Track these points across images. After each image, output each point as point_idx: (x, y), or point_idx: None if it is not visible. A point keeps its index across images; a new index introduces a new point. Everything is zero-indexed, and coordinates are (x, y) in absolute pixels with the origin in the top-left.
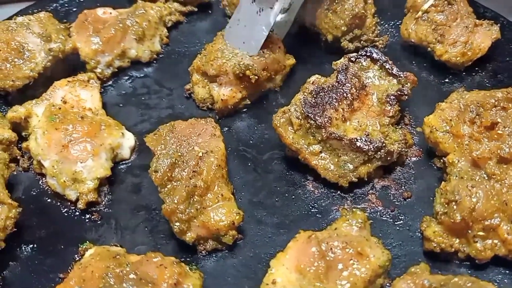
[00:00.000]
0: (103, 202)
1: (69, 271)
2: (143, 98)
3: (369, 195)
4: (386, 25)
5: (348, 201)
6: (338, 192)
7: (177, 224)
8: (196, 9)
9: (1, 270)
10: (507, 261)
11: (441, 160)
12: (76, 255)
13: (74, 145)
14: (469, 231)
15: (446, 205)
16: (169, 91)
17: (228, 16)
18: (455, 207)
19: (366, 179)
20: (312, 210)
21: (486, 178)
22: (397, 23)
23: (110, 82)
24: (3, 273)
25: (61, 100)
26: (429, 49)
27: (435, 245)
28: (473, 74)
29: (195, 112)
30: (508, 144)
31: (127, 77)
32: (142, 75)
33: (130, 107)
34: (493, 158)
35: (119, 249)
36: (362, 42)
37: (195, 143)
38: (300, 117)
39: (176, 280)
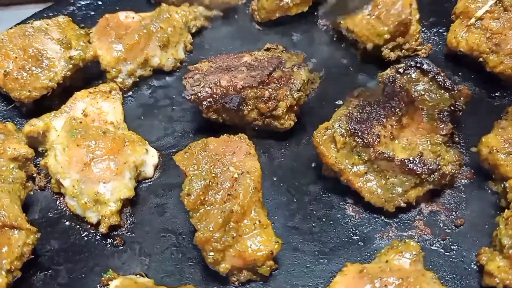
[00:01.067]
0: (126, 225)
1: None
2: (165, 110)
3: (416, 221)
4: (428, 32)
5: (392, 228)
6: (382, 217)
7: (211, 254)
8: (222, 14)
9: None
10: None
11: (501, 185)
12: (98, 285)
13: (97, 163)
14: None
15: None
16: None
17: (256, 21)
18: None
19: (413, 204)
20: (353, 237)
21: None
22: (440, 31)
23: (130, 93)
24: None
25: (82, 113)
26: (480, 59)
27: (498, 281)
28: None
29: (222, 126)
30: None
31: (147, 87)
32: (163, 84)
33: (152, 119)
34: None
35: (147, 281)
36: (403, 51)
37: (229, 162)
38: (345, 134)
39: None
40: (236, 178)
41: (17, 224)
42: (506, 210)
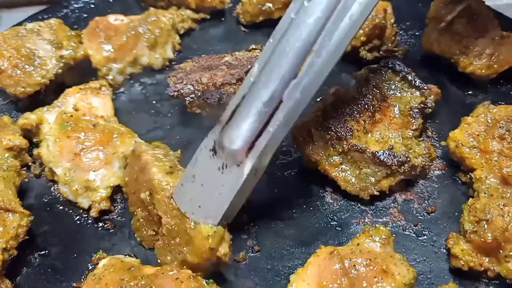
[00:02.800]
0: (116, 211)
1: (82, 280)
2: (155, 105)
3: (391, 209)
4: (405, 35)
5: (368, 214)
6: (358, 204)
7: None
8: (208, 17)
9: (14, 277)
10: None
11: (468, 176)
12: (89, 264)
13: (86, 153)
14: (501, 251)
15: (476, 224)
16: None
17: (242, 24)
18: (486, 226)
19: (388, 192)
20: (331, 223)
21: None
22: (416, 33)
23: (122, 89)
24: (16, 280)
25: (73, 108)
26: (452, 60)
27: (463, 263)
28: (498, 86)
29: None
30: None
31: (139, 84)
32: (154, 82)
33: (143, 114)
34: None
35: (133, 260)
36: (381, 52)
37: None
38: (320, 128)
39: None
40: None
41: (11, 207)
42: (470, 199)
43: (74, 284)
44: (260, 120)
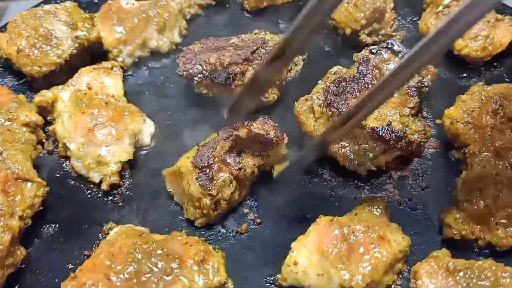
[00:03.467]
0: (125, 185)
1: (93, 248)
2: (161, 87)
3: (387, 185)
4: (403, 21)
5: (365, 190)
6: (355, 181)
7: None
8: (214, 3)
9: (27, 246)
10: None
11: (462, 151)
12: (100, 234)
13: (99, 129)
14: (491, 219)
15: (469, 193)
16: (187, 80)
17: (246, 10)
18: (478, 194)
19: (384, 169)
20: (329, 198)
21: (509, 168)
22: (414, 19)
23: (130, 72)
24: (29, 249)
25: (86, 86)
26: None
27: (456, 232)
28: (492, 69)
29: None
30: None
31: (146, 67)
32: (160, 65)
33: (149, 95)
34: None
35: (143, 229)
36: (380, 36)
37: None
38: (322, 105)
39: (202, 257)
40: None
41: (29, 177)
42: (463, 172)
43: (86, 252)
44: None
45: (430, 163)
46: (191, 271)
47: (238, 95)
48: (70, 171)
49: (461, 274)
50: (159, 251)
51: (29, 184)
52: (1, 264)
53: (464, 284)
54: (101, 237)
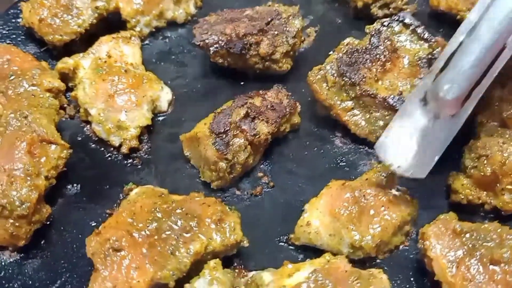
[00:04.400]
0: (144, 149)
1: (114, 208)
2: (178, 57)
3: None
4: None
5: (375, 157)
6: (366, 148)
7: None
8: None
9: (52, 205)
10: None
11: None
12: (120, 194)
13: (119, 95)
14: (498, 185)
15: (476, 160)
16: (203, 50)
17: None
18: (485, 161)
19: None
20: (340, 164)
21: None
22: None
23: (147, 42)
24: (53, 208)
25: (106, 55)
26: (458, 17)
27: (463, 197)
28: None
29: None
30: None
31: (162, 37)
32: (176, 35)
33: (166, 64)
34: None
35: (162, 190)
36: (391, 9)
37: None
38: (335, 74)
39: (220, 217)
40: None
41: (53, 139)
42: (471, 140)
43: (108, 211)
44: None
45: None
46: (209, 230)
47: None
48: (90, 135)
49: (467, 235)
50: (178, 211)
51: (53, 146)
52: (28, 220)
53: (470, 245)
54: (121, 197)
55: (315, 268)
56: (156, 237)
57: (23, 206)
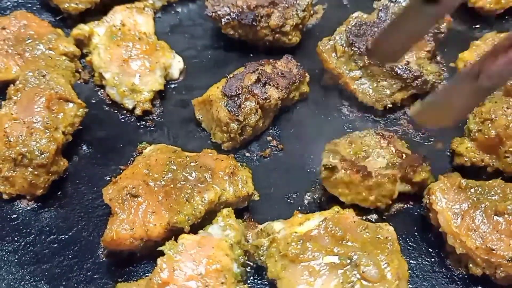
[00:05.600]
0: (156, 113)
1: (128, 164)
2: (189, 29)
3: (401, 120)
4: None
5: (381, 124)
6: (372, 116)
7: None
8: None
9: (68, 161)
10: None
11: None
12: (134, 152)
13: (133, 60)
14: (501, 147)
15: (481, 123)
16: (213, 24)
17: None
18: (490, 124)
19: (399, 105)
20: (347, 131)
21: None
22: None
23: (159, 15)
24: (70, 163)
25: (120, 23)
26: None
27: (466, 159)
28: (503, 22)
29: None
30: None
31: (173, 11)
32: (187, 9)
33: (178, 35)
34: None
35: (176, 147)
36: None
37: None
38: (344, 44)
39: (232, 170)
40: None
41: (70, 98)
42: (476, 107)
43: (122, 167)
44: None
45: None
46: (222, 181)
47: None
48: (104, 98)
49: (472, 190)
50: (192, 164)
51: (70, 104)
52: (47, 170)
53: (475, 199)
54: (135, 155)
55: (325, 217)
56: (171, 185)
57: (43, 155)
